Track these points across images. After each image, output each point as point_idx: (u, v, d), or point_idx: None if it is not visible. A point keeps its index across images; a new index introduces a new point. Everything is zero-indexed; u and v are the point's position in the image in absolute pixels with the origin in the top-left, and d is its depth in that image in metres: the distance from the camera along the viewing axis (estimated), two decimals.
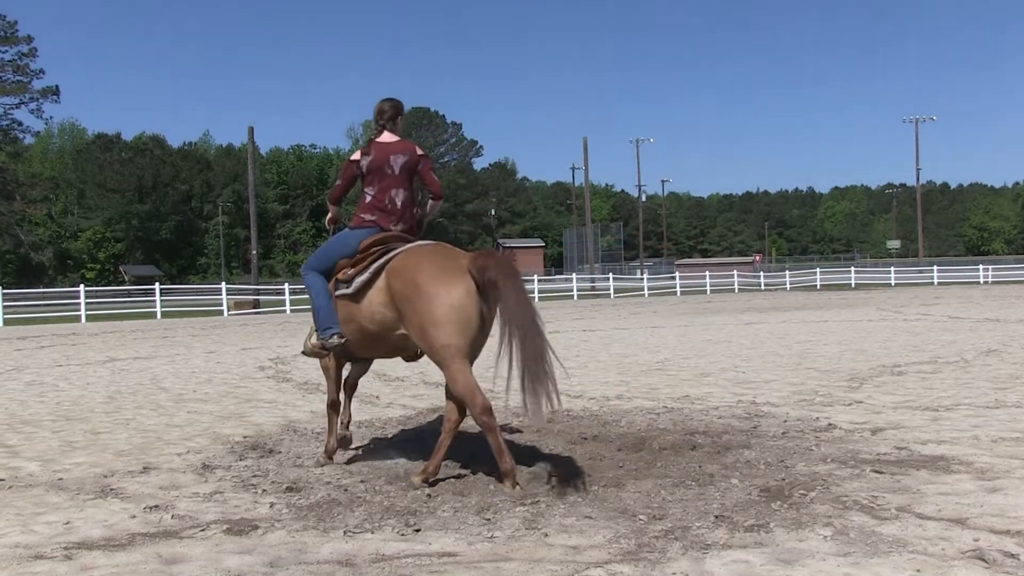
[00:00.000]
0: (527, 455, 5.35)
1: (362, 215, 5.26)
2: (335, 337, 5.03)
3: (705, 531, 3.77)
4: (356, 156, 5.36)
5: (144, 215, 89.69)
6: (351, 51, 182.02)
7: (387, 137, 5.38)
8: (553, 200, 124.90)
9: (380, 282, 4.91)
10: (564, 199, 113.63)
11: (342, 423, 5.61)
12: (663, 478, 4.72)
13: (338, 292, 5.10)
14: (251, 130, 40.41)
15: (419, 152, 5.44)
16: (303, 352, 5.51)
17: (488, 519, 4.06)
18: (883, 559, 3.34)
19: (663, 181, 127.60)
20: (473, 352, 4.75)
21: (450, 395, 4.83)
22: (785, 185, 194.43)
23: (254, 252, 41.26)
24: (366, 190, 5.30)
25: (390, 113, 5.42)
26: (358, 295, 4.98)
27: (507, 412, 6.55)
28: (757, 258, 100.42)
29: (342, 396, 5.65)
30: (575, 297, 42.29)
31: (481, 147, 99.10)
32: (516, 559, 3.50)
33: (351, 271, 5.04)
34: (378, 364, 11.91)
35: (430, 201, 5.65)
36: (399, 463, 5.33)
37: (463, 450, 5.54)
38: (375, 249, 5.07)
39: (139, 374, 11.45)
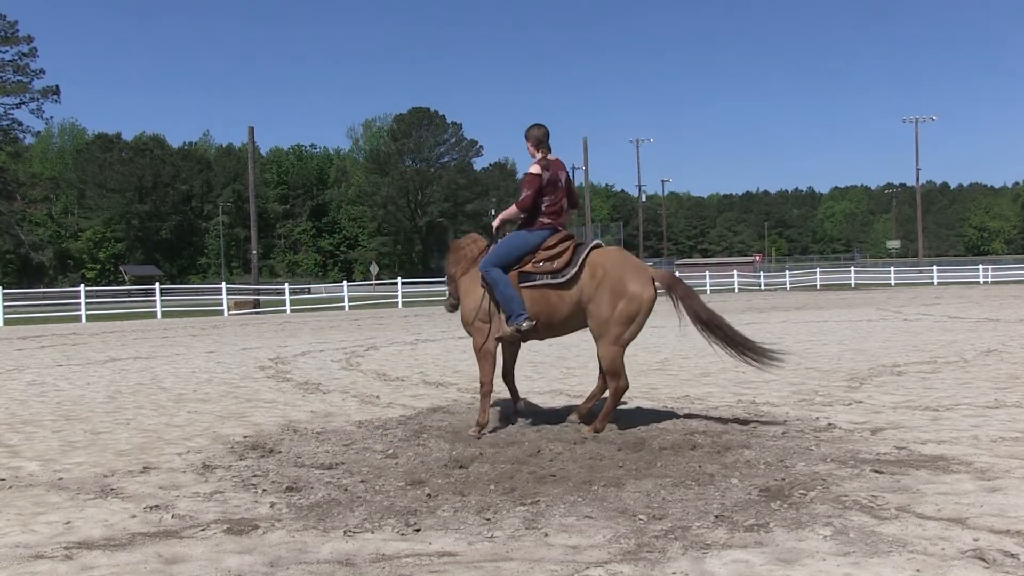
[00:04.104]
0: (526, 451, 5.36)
1: (541, 219, 6.25)
2: (527, 322, 5.98)
3: (705, 531, 3.77)
4: (538, 171, 6.27)
5: (144, 215, 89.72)
6: (351, 51, 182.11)
7: (553, 156, 6.41)
8: None
9: (585, 273, 5.99)
10: None
11: (513, 399, 6.75)
12: (663, 478, 4.72)
13: (538, 282, 6.03)
14: (251, 130, 40.39)
15: (565, 167, 6.54)
16: (497, 337, 6.25)
17: (488, 519, 4.06)
18: (883, 559, 3.35)
19: (663, 181, 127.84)
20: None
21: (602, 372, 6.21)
22: (785, 185, 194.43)
23: (254, 252, 41.23)
24: (544, 199, 6.28)
25: (547, 136, 6.44)
26: (568, 284, 5.99)
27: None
28: (757, 258, 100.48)
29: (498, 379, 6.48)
30: None
31: (481, 147, 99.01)
32: (516, 559, 3.50)
33: (556, 263, 6.03)
34: (378, 364, 11.91)
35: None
36: (399, 463, 5.33)
37: (467, 450, 5.55)
38: (568, 244, 6.12)
39: (139, 374, 11.45)
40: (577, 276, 5.99)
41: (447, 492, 4.58)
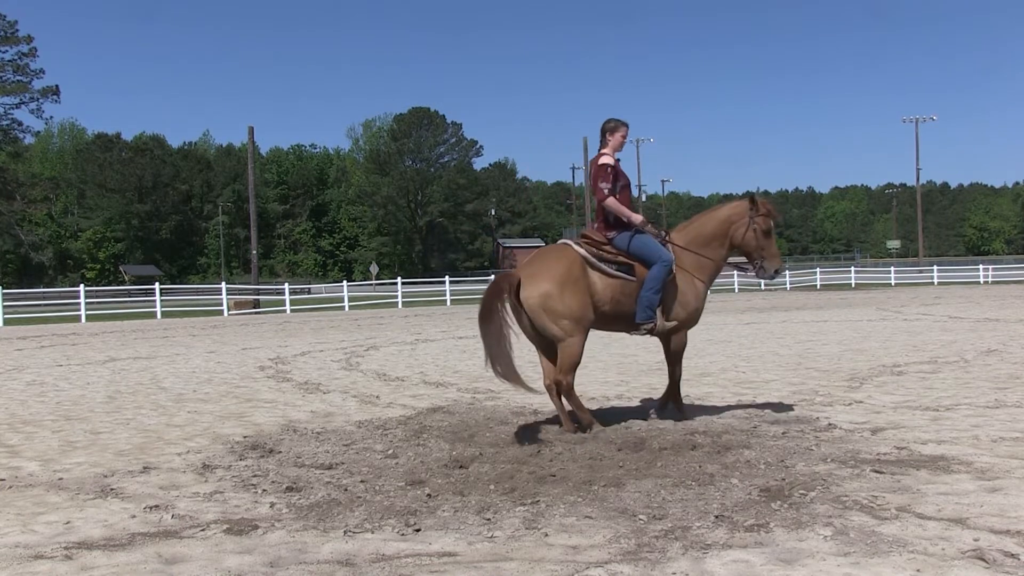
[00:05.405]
0: (525, 453, 5.36)
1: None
2: None
3: (705, 531, 3.77)
4: None
5: (144, 215, 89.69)
6: (351, 51, 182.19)
7: (598, 155, 6.19)
8: (553, 200, 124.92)
9: None
10: (564, 199, 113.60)
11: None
12: (663, 478, 4.71)
13: None
14: (251, 130, 40.39)
15: (598, 163, 6.13)
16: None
17: (488, 519, 4.06)
18: (883, 559, 3.34)
19: (663, 181, 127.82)
20: (539, 343, 6.40)
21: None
22: (785, 185, 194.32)
23: (254, 252, 41.23)
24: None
25: (602, 131, 6.18)
26: None
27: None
28: None
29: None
30: None
31: (481, 147, 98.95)
32: (516, 559, 3.50)
33: None
34: (378, 364, 11.91)
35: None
36: (399, 463, 5.33)
37: (467, 450, 5.54)
38: None
39: (139, 374, 11.45)
40: None
41: (447, 492, 4.58)
